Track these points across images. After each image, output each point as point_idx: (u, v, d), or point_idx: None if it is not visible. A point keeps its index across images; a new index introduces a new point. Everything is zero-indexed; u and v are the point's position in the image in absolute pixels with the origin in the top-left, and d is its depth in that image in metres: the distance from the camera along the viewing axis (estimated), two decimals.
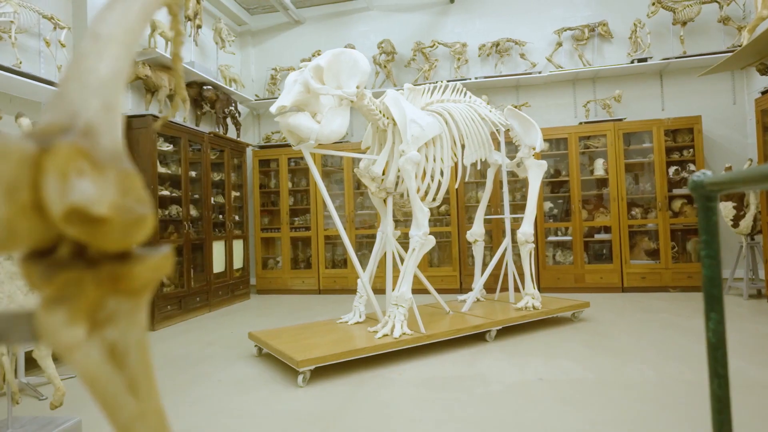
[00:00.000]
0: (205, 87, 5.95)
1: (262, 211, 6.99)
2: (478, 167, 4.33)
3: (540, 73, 6.26)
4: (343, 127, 3.39)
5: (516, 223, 5.98)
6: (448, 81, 5.81)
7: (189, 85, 5.85)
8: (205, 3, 6.58)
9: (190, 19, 5.72)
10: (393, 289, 3.65)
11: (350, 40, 7.06)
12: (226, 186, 6.11)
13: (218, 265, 5.86)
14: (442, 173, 3.92)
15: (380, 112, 3.76)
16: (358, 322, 3.87)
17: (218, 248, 5.87)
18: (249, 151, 7.06)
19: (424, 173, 3.86)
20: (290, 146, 6.85)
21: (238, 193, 6.48)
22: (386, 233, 3.88)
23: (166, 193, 5.05)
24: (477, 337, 3.83)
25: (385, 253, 3.92)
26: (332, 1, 7.16)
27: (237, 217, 6.46)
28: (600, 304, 5.08)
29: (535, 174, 4.35)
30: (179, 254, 5.19)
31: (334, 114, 3.37)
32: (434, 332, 3.47)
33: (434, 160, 3.86)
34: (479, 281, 4.47)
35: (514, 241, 5.47)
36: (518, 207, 6.31)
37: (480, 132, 4.20)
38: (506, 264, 4.59)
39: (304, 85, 3.29)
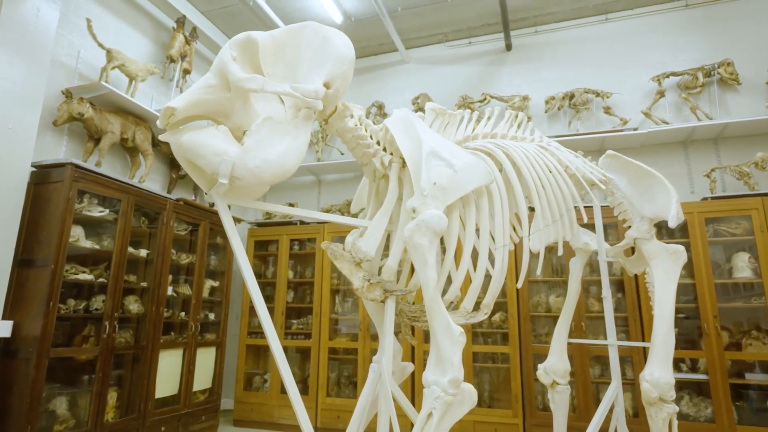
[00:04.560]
0: None
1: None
2: (559, 253, 2.42)
3: (636, 130, 4.47)
4: (291, 156, 1.71)
5: (626, 351, 3.84)
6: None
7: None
8: (209, 53, 5.54)
9: (173, 61, 4.57)
10: None
11: (381, 96, 5.70)
12: (196, 273, 4.50)
13: (167, 386, 4.06)
14: (492, 259, 2.11)
15: (378, 141, 2.09)
16: None
17: (170, 360, 4.12)
18: (243, 228, 5.55)
19: (458, 256, 2.06)
20: (295, 224, 5.29)
21: (216, 283, 4.85)
22: (381, 368, 2.00)
23: (87, 277, 3.48)
24: None
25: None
26: (360, 56, 5.95)
27: (212, 316, 4.76)
28: None
29: (667, 269, 2.39)
30: (89, 370, 3.47)
31: (274, 131, 1.71)
32: None
33: (476, 232, 2.05)
34: None
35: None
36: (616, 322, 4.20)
37: (560, 191, 2.38)
38: (615, 428, 2.50)
39: (219, 73, 1.70)
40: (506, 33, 5.15)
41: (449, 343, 1.75)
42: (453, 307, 2.15)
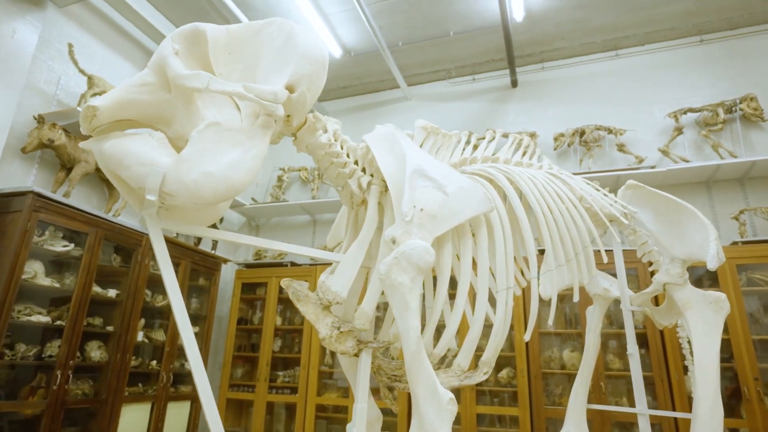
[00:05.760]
0: None
1: (235, 357, 4.82)
2: (575, 300, 2.03)
3: (653, 168, 4.13)
4: (240, 170, 1.37)
5: (653, 417, 3.32)
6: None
7: None
8: None
9: None
10: None
11: None
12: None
13: None
14: (493, 305, 1.72)
15: (356, 161, 1.76)
16: None
17: (134, 416, 3.65)
18: (230, 269, 5.18)
19: (452, 299, 1.67)
20: (285, 265, 4.92)
21: (196, 329, 4.44)
22: None
23: (43, 318, 3.11)
24: None
25: None
26: (361, 93, 5.77)
27: (189, 365, 4.31)
28: None
29: (707, 322, 1.97)
30: (36, 427, 3.03)
31: (221, 139, 1.39)
32: None
33: (472, 269, 1.68)
34: None
35: None
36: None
37: (575, 225, 2.01)
38: None
39: (158, 69, 1.40)
40: (512, 69, 4.94)
41: (435, 413, 1.34)
42: (446, 363, 1.75)
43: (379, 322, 2.99)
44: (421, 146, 1.97)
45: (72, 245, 3.33)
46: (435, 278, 1.72)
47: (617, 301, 2.43)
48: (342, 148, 1.73)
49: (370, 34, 4.63)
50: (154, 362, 3.94)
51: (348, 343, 1.60)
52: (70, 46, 3.56)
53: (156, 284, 4.13)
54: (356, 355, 1.63)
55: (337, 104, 5.83)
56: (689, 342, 2.29)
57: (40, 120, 3.33)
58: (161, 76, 1.41)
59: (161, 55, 1.40)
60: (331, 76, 5.46)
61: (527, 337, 1.77)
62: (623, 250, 2.57)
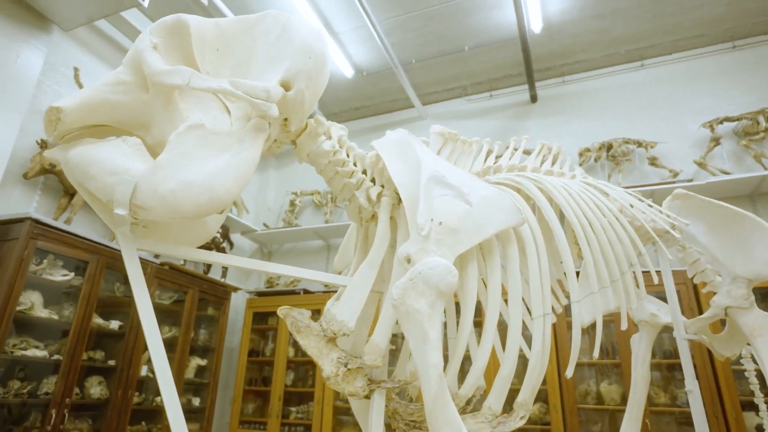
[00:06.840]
0: None
1: (246, 391, 4.55)
2: (623, 328, 1.74)
3: (691, 182, 3.83)
4: (226, 178, 1.16)
5: None
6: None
7: None
8: None
9: None
10: None
11: None
12: (179, 349, 3.88)
13: None
14: (527, 335, 1.47)
15: (363, 170, 1.55)
16: None
17: None
18: (241, 298, 4.97)
19: (479, 328, 1.43)
20: (298, 293, 4.70)
21: (204, 362, 4.20)
22: None
23: (39, 353, 2.93)
24: None
25: None
26: (374, 113, 5.63)
27: (197, 401, 4.07)
28: None
29: None
30: None
31: (204, 144, 1.18)
32: None
33: (501, 294, 1.43)
34: None
35: None
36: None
37: (619, 240, 1.75)
38: None
39: (134, 66, 1.23)
40: (531, 84, 4.74)
41: None
42: (473, 406, 1.48)
43: (395, 354, 2.72)
44: (438, 154, 1.75)
45: (72, 274, 3.16)
46: (457, 304, 1.48)
47: (669, 328, 2.13)
48: (348, 156, 1.53)
49: (383, 52, 4.49)
50: (158, 398, 3.70)
51: (357, 383, 1.35)
52: (76, 70, 3.49)
53: (162, 315, 3.94)
54: (367, 397, 1.38)
55: (349, 126, 5.68)
56: (757, 375, 1.97)
57: (43, 145, 3.23)
58: (138, 74, 1.23)
59: (137, 50, 1.22)
60: (342, 97, 5.34)
61: (569, 372, 1.49)
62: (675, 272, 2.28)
